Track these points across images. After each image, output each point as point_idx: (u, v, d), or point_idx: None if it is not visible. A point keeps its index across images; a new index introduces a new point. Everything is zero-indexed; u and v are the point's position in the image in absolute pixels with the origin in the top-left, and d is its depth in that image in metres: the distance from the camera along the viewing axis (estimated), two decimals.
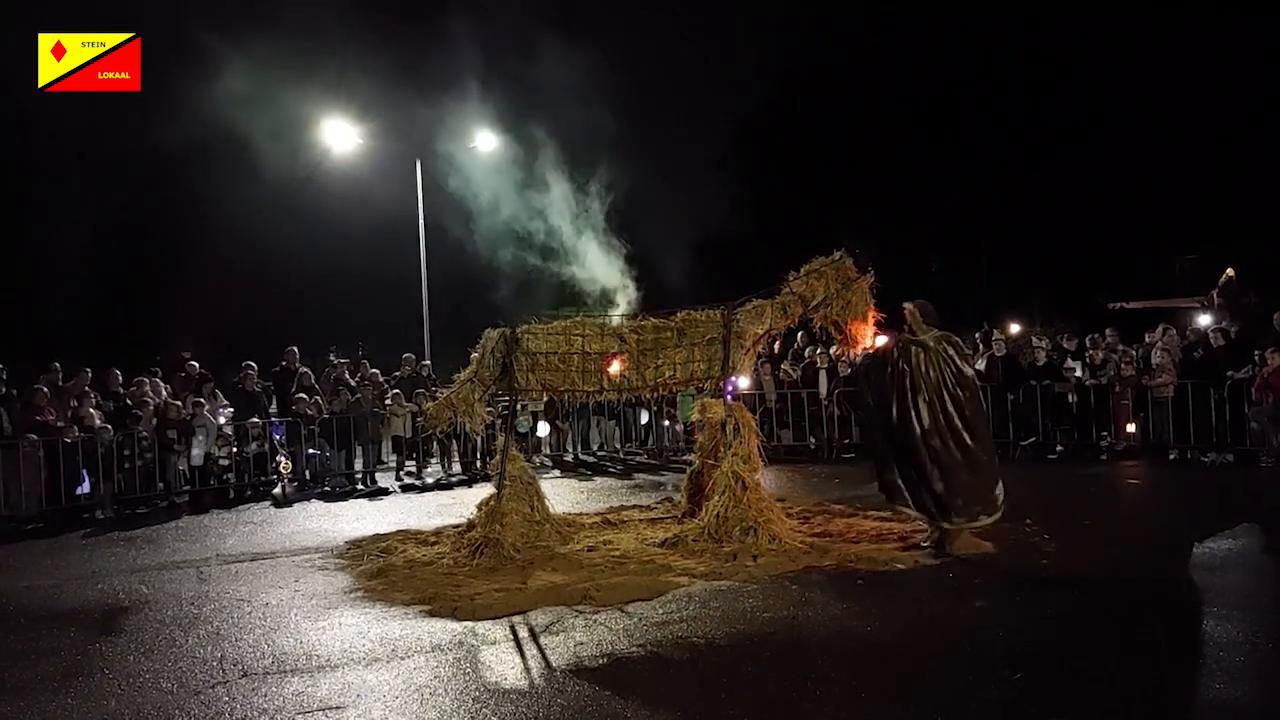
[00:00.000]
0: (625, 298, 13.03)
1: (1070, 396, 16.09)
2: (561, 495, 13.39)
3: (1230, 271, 19.93)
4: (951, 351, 9.53)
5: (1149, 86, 33.80)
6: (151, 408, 15.14)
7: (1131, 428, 15.77)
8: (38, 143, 31.57)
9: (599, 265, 13.31)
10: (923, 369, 9.41)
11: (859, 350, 11.90)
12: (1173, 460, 15.08)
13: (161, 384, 16.57)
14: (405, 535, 11.34)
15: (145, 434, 14.62)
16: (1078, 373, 16.32)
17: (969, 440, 9.31)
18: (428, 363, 19.58)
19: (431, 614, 7.95)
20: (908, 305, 9.82)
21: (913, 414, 9.36)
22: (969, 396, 9.45)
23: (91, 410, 14.61)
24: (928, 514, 9.44)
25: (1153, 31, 33.90)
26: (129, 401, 15.48)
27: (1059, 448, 16.21)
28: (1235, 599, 7.62)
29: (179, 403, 15.50)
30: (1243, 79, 31.77)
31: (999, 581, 8.23)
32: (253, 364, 17.03)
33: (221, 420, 15.55)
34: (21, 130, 30.63)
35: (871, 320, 11.38)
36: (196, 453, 14.92)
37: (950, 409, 9.30)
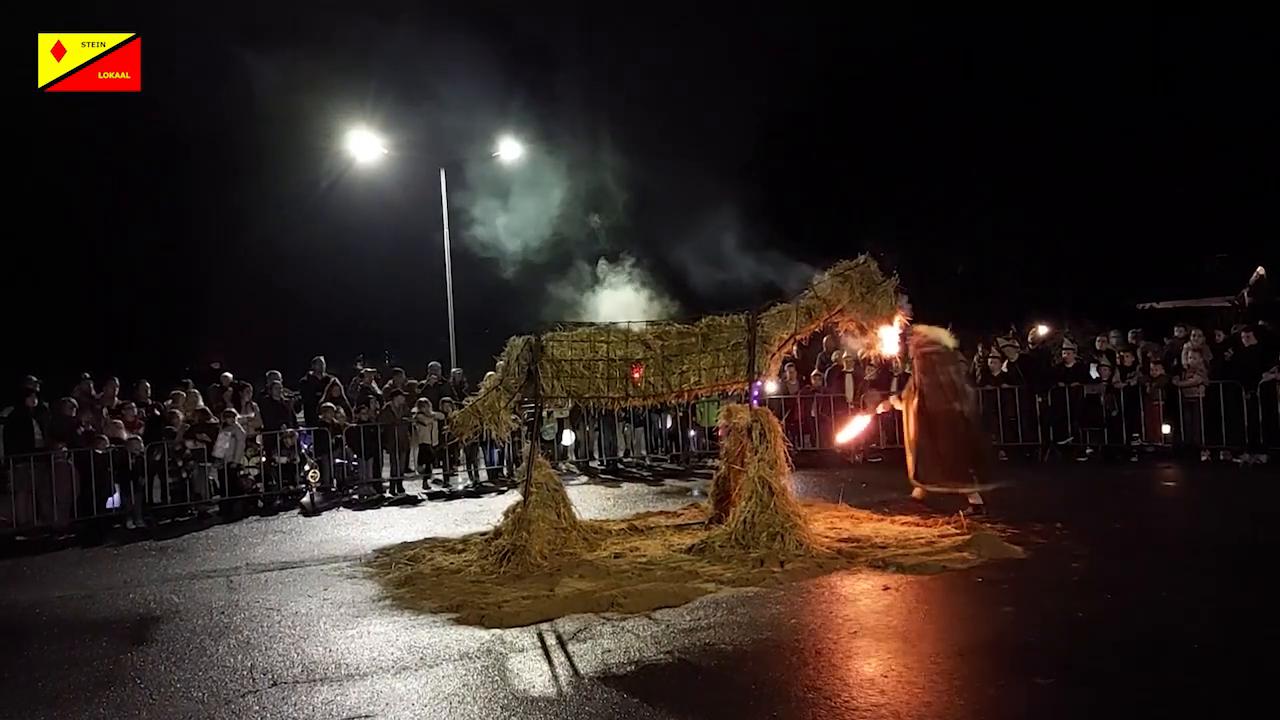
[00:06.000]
0: (651, 300, 13.01)
1: (1101, 398, 15.95)
2: (588, 502, 13.39)
3: (1261, 270, 19.74)
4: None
5: (1177, 85, 33.56)
6: (182, 418, 15.21)
7: (1166, 429, 15.62)
8: (65, 155, 31.95)
9: (622, 274, 13.31)
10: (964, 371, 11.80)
11: (885, 353, 11.99)
12: (1204, 461, 14.93)
13: (198, 394, 16.63)
14: (433, 543, 11.37)
15: (180, 445, 14.68)
16: (1094, 374, 16.22)
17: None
18: (459, 370, 19.32)
19: (459, 622, 7.96)
20: (929, 329, 11.66)
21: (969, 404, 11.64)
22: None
23: (119, 421, 14.70)
24: (968, 483, 11.19)
25: (1181, 31, 33.66)
26: (158, 412, 15.59)
27: (1089, 450, 16.08)
28: (1271, 602, 7.53)
29: (210, 414, 15.58)
30: (1273, 78, 31.48)
31: (1029, 586, 8.17)
32: (278, 373, 17.12)
33: (240, 418, 15.58)
34: (50, 145, 31.02)
35: (897, 323, 11.39)
36: (226, 447, 14.94)
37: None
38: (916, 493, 11.79)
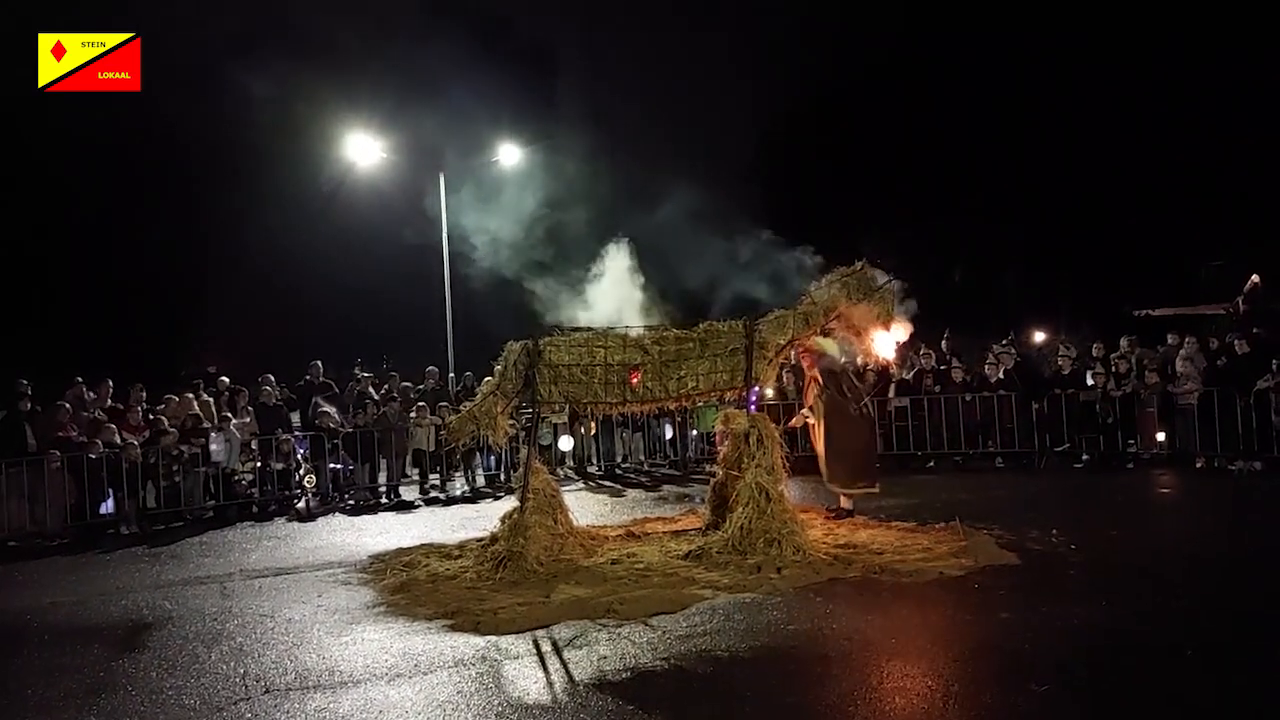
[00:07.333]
0: (650, 307, 12.98)
1: (1097, 405, 15.95)
2: (585, 508, 13.36)
3: (1255, 278, 19.74)
4: None
5: (1174, 92, 33.62)
6: (168, 423, 15.14)
7: (1161, 436, 15.63)
8: (65, 155, 31.88)
9: (622, 276, 13.28)
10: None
11: (882, 358, 12.00)
12: (1199, 468, 14.92)
13: (193, 398, 16.55)
14: (428, 549, 11.31)
15: (176, 450, 14.63)
16: (1089, 381, 16.22)
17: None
18: (469, 374, 18.94)
19: (454, 628, 7.92)
20: (823, 341, 11.84)
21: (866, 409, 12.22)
22: None
23: (113, 426, 14.64)
24: (870, 484, 11.84)
25: (1178, 37, 33.72)
26: (152, 416, 15.53)
27: (1084, 456, 16.08)
28: (1265, 608, 7.52)
29: (203, 418, 15.54)
30: (1268, 83, 31.53)
31: (1024, 592, 8.14)
32: (270, 377, 17.05)
33: (236, 422, 15.54)
34: (50, 145, 30.97)
35: (895, 329, 11.39)
36: (216, 449, 14.90)
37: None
38: (844, 502, 12.02)
